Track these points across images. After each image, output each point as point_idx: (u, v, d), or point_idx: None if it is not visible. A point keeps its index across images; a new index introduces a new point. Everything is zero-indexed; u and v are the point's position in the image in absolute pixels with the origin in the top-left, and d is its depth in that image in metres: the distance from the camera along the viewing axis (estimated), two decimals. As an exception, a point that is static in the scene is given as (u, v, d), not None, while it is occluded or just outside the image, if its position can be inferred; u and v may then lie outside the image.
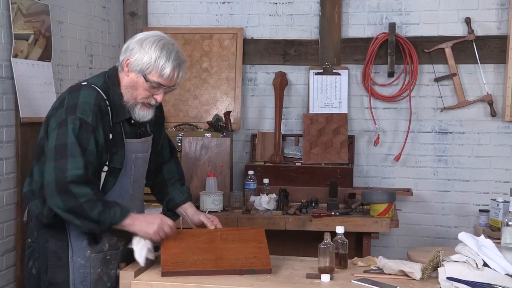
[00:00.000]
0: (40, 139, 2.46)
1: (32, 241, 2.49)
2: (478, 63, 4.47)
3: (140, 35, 2.48)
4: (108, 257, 2.49)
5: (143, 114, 2.49)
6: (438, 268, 2.33)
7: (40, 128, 2.51)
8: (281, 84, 4.61)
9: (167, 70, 2.41)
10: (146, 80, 2.42)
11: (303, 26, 4.72)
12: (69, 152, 2.30)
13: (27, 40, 3.46)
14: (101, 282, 2.46)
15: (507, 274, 2.27)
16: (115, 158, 2.46)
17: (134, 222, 2.39)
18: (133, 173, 2.55)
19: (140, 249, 2.41)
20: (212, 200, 3.84)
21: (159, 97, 2.47)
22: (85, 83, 2.46)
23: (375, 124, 4.57)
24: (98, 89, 2.42)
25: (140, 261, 2.40)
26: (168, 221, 2.48)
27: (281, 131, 4.61)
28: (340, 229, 2.54)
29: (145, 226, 2.41)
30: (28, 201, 2.48)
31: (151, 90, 2.45)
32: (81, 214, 2.29)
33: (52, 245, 2.44)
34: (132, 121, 2.52)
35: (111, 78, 2.49)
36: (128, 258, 2.52)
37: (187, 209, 2.80)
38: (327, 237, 2.47)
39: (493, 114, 4.44)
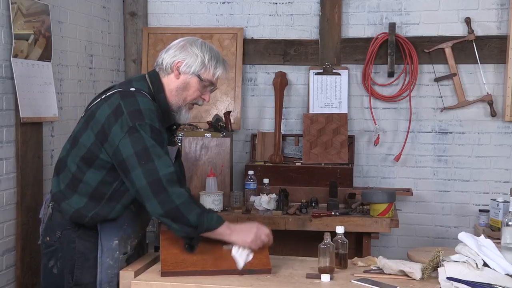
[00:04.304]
0: (90, 144, 2.41)
1: (54, 240, 2.48)
2: (478, 63, 4.47)
3: (182, 41, 2.55)
4: (127, 257, 2.52)
5: (187, 116, 2.59)
6: (438, 268, 2.34)
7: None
8: (281, 84, 4.61)
9: (220, 69, 2.55)
10: (201, 79, 2.51)
11: (303, 26, 4.72)
12: (153, 154, 2.31)
13: (27, 40, 3.46)
14: None
15: (507, 274, 2.27)
16: None
17: (232, 232, 2.42)
18: None
19: (241, 255, 2.43)
20: (212, 200, 3.84)
21: (207, 96, 2.59)
22: (134, 89, 2.46)
23: (375, 124, 4.57)
24: (149, 96, 2.46)
25: (241, 265, 2.42)
26: (265, 230, 2.50)
27: (281, 131, 4.61)
28: (340, 229, 2.54)
29: (243, 235, 2.44)
30: (59, 201, 2.47)
31: (202, 90, 2.55)
32: (179, 218, 2.30)
33: (79, 245, 2.45)
34: (174, 126, 2.60)
35: (155, 84, 2.52)
36: (129, 258, 2.54)
37: (187, 210, 2.81)
38: (327, 237, 2.47)
39: (493, 114, 4.45)
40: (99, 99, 2.50)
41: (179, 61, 2.50)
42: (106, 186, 2.42)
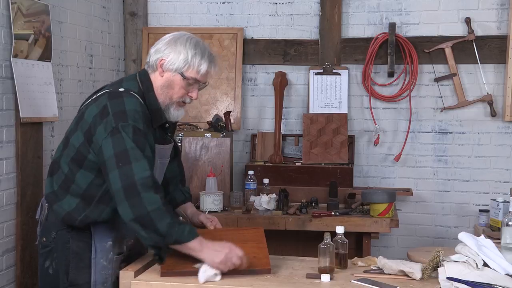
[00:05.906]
0: (79, 144, 2.41)
1: (50, 241, 2.48)
2: (478, 63, 4.47)
3: (168, 37, 2.50)
4: (122, 258, 2.51)
5: (178, 114, 2.53)
6: (438, 268, 2.34)
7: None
8: (281, 84, 4.61)
9: (204, 66, 2.46)
10: (184, 77, 2.45)
11: (303, 26, 4.72)
12: (131, 156, 2.28)
13: (27, 40, 3.46)
14: (115, 284, 2.47)
15: (507, 274, 2.27)
16: None
17: (202, 249, 2.32)
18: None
19: (205, 272, 2.32)
20: (212, 200, 3.84)
21: (194, 94, 2.51)
22: (122, 89, 2.43)
23: (375, 124, 4.57)
24: (138, 97, 2.43)
25: (201, 280, 2.32)
26: (237, 252, 2.36)
27: (281, 131, 4.61)
28: (340, 229, 2.54)
29: (213, 254, 2.32)
30: (52, 203, 2.47)
31: (187, 88, 2.48)
32: (148, 225, 2.25)
33: (73, 246, 2.45)
34: (167, 125, 2.55)
35: (144, 83, 2.49)
36: (129, 258, 2.54)
37: (187, 209, 2.81)
38: (327, 237, 2.47)
39: (493, 114, 4.44)
40: (89, 100, 2.49)
41: (162, 59, 2.46)
42: (96, 188, 2.41)
